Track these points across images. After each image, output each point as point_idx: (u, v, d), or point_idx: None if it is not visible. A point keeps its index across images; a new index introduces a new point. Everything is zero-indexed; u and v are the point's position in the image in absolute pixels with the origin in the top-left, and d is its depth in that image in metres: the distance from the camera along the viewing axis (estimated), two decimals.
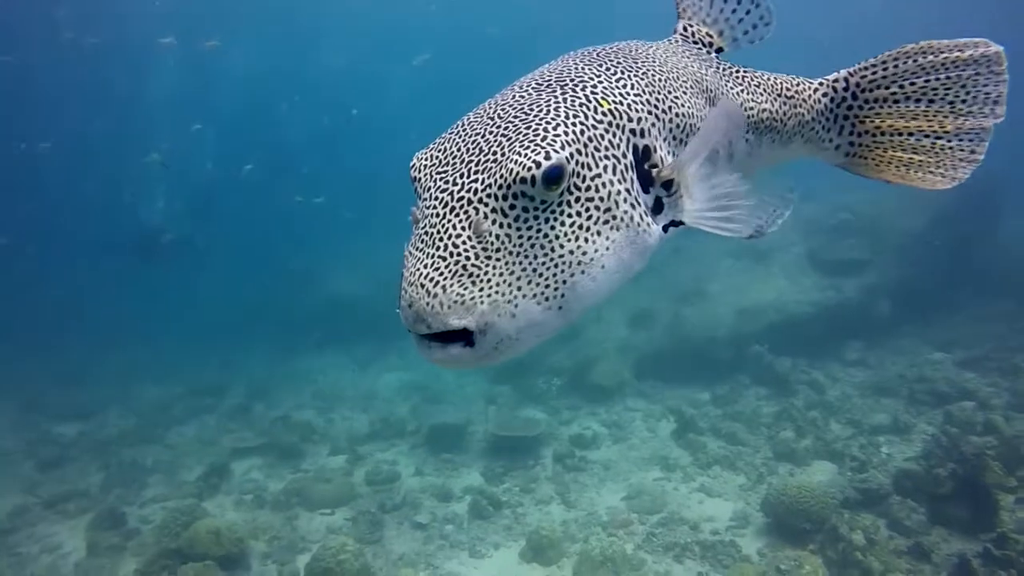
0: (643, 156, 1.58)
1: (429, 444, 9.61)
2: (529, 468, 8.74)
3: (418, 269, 1.35)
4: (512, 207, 1.37)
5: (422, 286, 1.33)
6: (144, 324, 20.69)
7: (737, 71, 2.15)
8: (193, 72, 24.58)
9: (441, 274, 1.32)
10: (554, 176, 1.37)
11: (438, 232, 1.37)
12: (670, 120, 1.70)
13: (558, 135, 1.42)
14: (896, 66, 2.11)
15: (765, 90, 2.14)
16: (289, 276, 19.96)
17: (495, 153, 1.41)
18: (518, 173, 1.36)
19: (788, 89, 2.20)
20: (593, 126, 1.50)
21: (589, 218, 1.42)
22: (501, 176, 1.37)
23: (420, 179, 1.51)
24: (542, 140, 1.40)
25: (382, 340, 15.02)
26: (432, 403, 11.30)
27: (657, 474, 8.37)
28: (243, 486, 9.04)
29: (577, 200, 1.42)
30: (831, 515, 6.33)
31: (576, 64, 1.70)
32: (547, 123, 1.45)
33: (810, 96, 2.23)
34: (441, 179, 1.45)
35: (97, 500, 9.03)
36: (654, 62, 1.80)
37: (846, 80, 2.21)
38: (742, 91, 2.08)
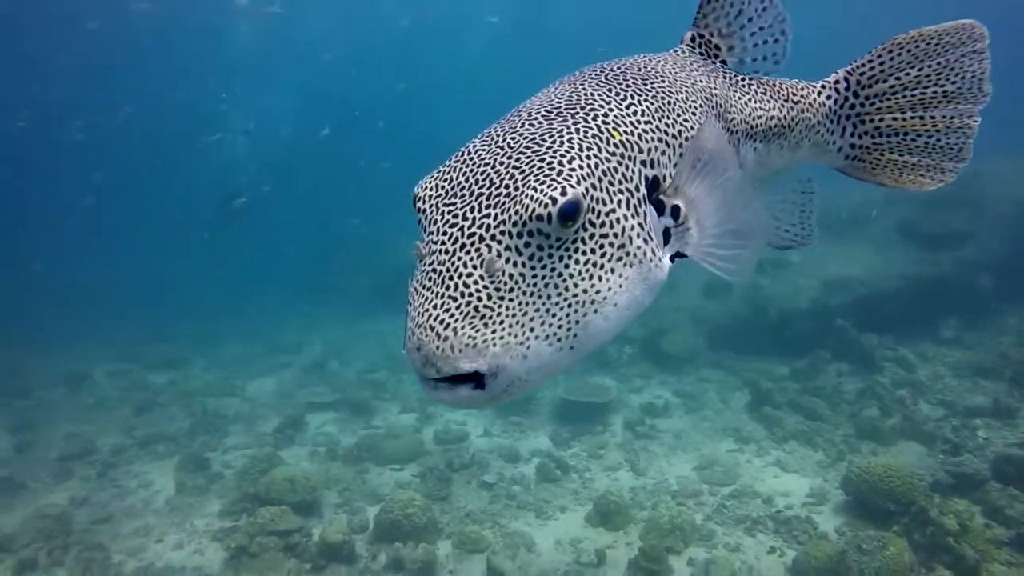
0: (652, 186, 1.53)
1: (498, 406, 9.65)
2: (598, 434, 8.65)
3: (427, 310, 1.27)
4: (527, 245, 1.29)
5: (431, 328, 1.25)
6: (226, 287, 21.65)
7: (743, 80, 2.09)
8: (265, 37, 25.08)
9: (452, 315, 1.25)
10: (570, 212, 1.30)
11: (447, 270, 1.29)
12: (680, 145, 1.64)
13: (573, 169, 1.35)
14: (891, 58, 2.13)
15: (772, 97, 2.12)
16: (359, 242, 20.31)
17: (507, 187, 1.33)
18: (534, 210, 1.28)
19: (794, 94, 2.19)
20: (607, 159, 1.43)
21: (603, 255, 1.36)
22: (516, 212, 1.29)
23: (426, 211, 1.42)
24: (557, 175, 1.33)
25: None
26: None
27: (730, 446, 8.13)
28: (316, 439, 9.34)
29: (591, 237, 1.35)
30: (919, 497, 5.97)
31: (585, 89, 1.63)
32: (561, 156, 1.37)
33: (815, 99, 2.22)
34: (450, 213, 1.36)
35: (183, 444, 9.53)
36: (663, 82, 1.74)
37: (846, 79, 2.21)
38: (750, 100, 2.04)
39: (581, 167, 1.36)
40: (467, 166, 1.42)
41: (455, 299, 1.26)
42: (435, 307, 1.27)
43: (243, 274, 22.52)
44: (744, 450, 8.01)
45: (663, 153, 1.58)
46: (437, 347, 1.24)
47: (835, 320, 10.20)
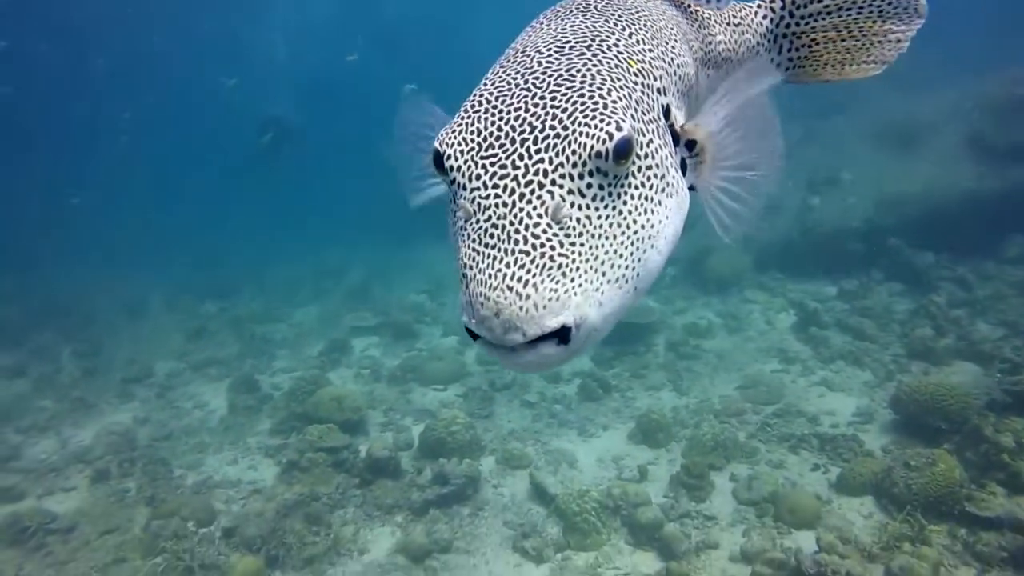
0: (665, 114, 1.48)
1: None
2: (640, 355, 8.62)
3: (499, 269, 1.16)
4: (589, 186, 1.21)
5: (510, 288, 1.14)
6: (272, 215, 21.95)
7: (689, 7, 2.04)
8: None
9: (528, 271, 1.14)
10: (625, 148, 1.23)
11: (512, 223, 1.18)
12: (674, 73, 1.62)
13: (616, 101, 1.26)
14: None
15: (717, 22, 2.10)
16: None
17: (555, 128, 1.22)
18: (593, 147, 1.20)
19: (735, 17, 2.18)
20: (633, 88, 1.36)
21: (652, 188, 1.31)
22: (574, 151, 1.20)
23: (461, 167, 1.27)
24: (604, 108, 1.24)
25: None
26: None
27: (775, 366, 8.01)
28: (361, 361, 9.56)
29: (640, 171, 1.30)
30: (972, 416, 5.79)
31: (584, 21, 1.54)
32: (599, 88, 1.28)
33: (753, 20, 2.22)
34: (493, 164, 1.23)
35: (234, 367, 9.88)
36: (645, 11, 1.70)
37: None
38: (700, 26, 2.01)
39: (621, 99, 1.29)
40: (492, 114, 1.29)
41: (527, 253, 1.16)
42: (507, 265, 1.16)
43: (286, 205, 22.78)
44: (789, 370, 7.88)
45: (668, 81, 1.54)
46: (521, 307, 1.13)
47: (888, 239, 9.79)
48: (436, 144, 1.33)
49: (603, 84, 1.29)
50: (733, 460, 6.23)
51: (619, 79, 1.34)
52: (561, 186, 1.20)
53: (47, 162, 27.36)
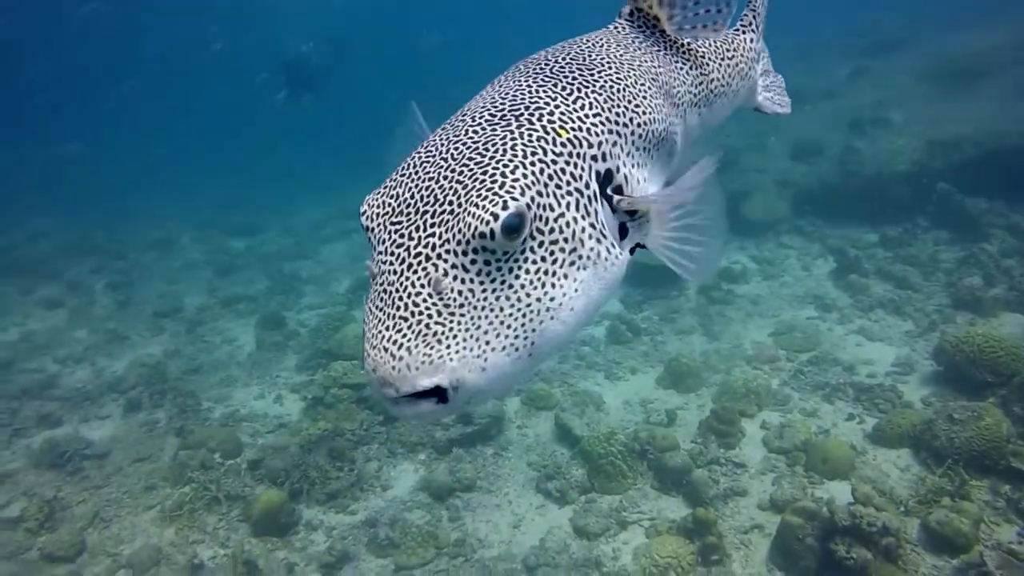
0: (605, 179, 1.49)
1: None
2: (671, 298, 8.40)
3: (380, 331, 1.25)
4: (473, 261, 1.26)
5: (385, 350, 1.23)
6: (296, 156, 21.78)
7: (681, 47, 2.01)
8: None
9: (404, 335, 1.23)
10: (514, 226, 1.26)
11: (397, 291, 1.26)
12: (632, 132, 1.61)
13: (516, 179, 1.30)
14: None
15: (710, 58, 2.09)
16: (424, 112, 19.82)
17: (451, 203, 1.29)
18: (476, 228, 1.24)
19: (728, 49, 2.18)
20: (553, 161, 1.38)
21: (555, 262, 1.33)
22: (459, 231, 1.26)
23: (373, 230, 1.38)
24: (500, 187, 1.28)
25: None
26: None
27: (811, 313, 7.75)
28: None
29: (541, 245, 1.32)
30: (1022, 369, 5.53)
31: (530, 85, 1.57)
32: (504, 166, 1.32)
33: (742, 45, 2.27)
34: (396, 231, 1.33)
35: (262, 304, 9.91)
36: (610, 68, 1.70)
37: (753, 16, 2.36)
38: (691, 67, 2.00)
39: (525, 175, 1.31)
40: (412, 180, 1.38)
41: (406, 319, 1.24)
42: (387, 328, 1.25)
43: (312, 143, 22.56)
44: (825, 318, 7.61)
45: (614, 144, 1.53)
46: (393, 367, 1.22)
47: (937, 184, 9.28)
48: (362, 205, 1.43)
49: (511, 161, 1.32)
50: (765, 407, 6.07)
51: (536, 153, 1.36)
52: (446, 260, 1.26)
53: (75, 103, 27.39)
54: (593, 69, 1.66)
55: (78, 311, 10.71)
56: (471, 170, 1.32)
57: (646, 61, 1.83)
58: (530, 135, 1.40)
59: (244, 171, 20.55)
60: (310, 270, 11.51)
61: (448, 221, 1.27)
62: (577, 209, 1.38)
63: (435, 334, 1.22)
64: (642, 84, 1.72)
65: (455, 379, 1.23)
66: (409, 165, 1.44)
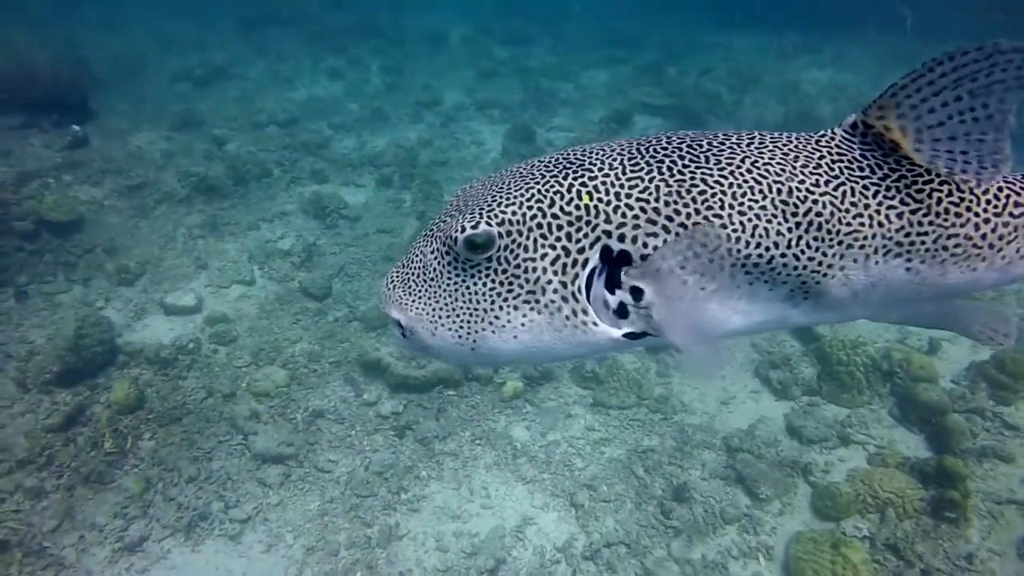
0: (619, 259, 1.47)
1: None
2: None
3: (394, 267, 1.69)
4: (446, 254, 1.54)
5: (388, 279, 1.66)
6: None
7: (914, 180, 1.47)
8: None
9: (399, 277, 1.65)
10: (479, 243, 1.46)
11: (414, 248, 1.64)
12: (674, 232, 1.47)
13: (504, 211, 1.48)
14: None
15: (972, 205, 1.49)
16: None
17: (462, 211, 1.58)
18: (451, 233, 1.50)
19: (996, 202, 1.53)
20: (554, 216, 1.46)
21: (510, 292, 1.49)
22: (448, 229, 1.54)
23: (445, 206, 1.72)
24: (487, 211, 1.48)
25: (820, 32, 12.69)
26: None
27: None
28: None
29: (504, 272, 1.48)
30: None
31: (617, 153, 1.54)
32: (504, 198, 1.50)
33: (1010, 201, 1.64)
34: (444, 214, 1.65)
35: (515, 114, 9.87)
36: (722, 170, 1.47)
37: None
38: (925, 213, 1.47)
39: (514, 213, 1.47)
40: (476, 188, 1.65)
41: (405, 267, 1.65)
42: (398, 267, 1.67)
43: None
44: None
45: (649, 234, 1.44)
46: (383, 292, 1.67)
47: None
48: (453, 196, 1.76)
49: (514, 199, 1.49)
50: None
51: (541, 202, 1.47)
52: (436, 246, 1.58)
53: None
54: (700, 161, 1.49)
55: (354, 86, 11.53)
56: (493, 194, 1.55)
57: (805, 183, 1.46)
58: (549, 187, 1.49)
59: None
60: (568, 92, 11.17)
61: (455, 217, 1.56)
62: (552, 263, 1.46)
63: (411, 290, 1.60)
64: (753, 202, 1.45)
65: (410, 325, 1.58)
66: (488, 178, 1.67)
